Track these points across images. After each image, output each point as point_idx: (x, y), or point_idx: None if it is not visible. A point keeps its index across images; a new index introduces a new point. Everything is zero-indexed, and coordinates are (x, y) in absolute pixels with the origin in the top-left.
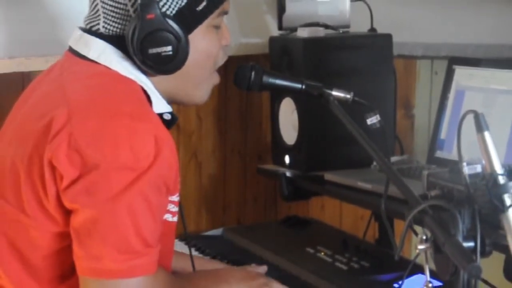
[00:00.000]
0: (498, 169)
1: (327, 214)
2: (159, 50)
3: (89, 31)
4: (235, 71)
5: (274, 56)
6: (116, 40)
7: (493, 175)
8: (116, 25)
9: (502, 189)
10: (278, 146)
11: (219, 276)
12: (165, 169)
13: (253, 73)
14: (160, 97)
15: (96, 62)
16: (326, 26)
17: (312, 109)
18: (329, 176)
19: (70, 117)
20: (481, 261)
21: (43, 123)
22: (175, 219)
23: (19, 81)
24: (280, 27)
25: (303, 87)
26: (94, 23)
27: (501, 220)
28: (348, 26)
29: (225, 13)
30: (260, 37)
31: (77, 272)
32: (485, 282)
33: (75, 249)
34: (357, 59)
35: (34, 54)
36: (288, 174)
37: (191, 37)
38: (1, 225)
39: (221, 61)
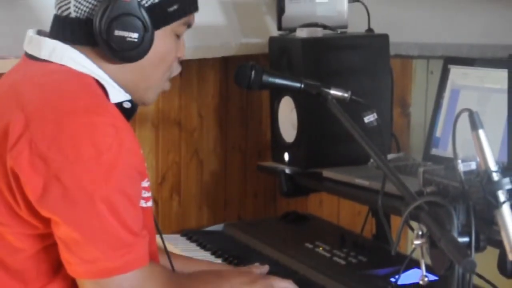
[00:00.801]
0: (492, 166)
1: (325, 210)
2: (125, 34)
3: (58, 18)
4: (236, 70)
5: (274, 56)
6: (83, 24)
7: (487, 172)
8: (88, 4)
9: (496, 185)
10: (277, 144)
11: (222, 277)
12: (132, 157)
13: (253, 73)
14: (117, 86)
15: (48, 61)
16: (324, 27)
17: (310, 108)
18: (327, 173)
19: (28, 123)
20: (475, 256)
21: (1, 129)
22: (150, 203)
23: None
24: (279, 28)
25: (302, 86)
26: (65, 6)
27: (495, 216)
28: (346, 27)
29: (189, 25)
30: (260, 37)
31: (71, 275)
32: (480, 276)
33: (65, 255)
34: (354, 59)
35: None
36: (287, 171)
37: (155, 34)
38: None
39: (175, 71)
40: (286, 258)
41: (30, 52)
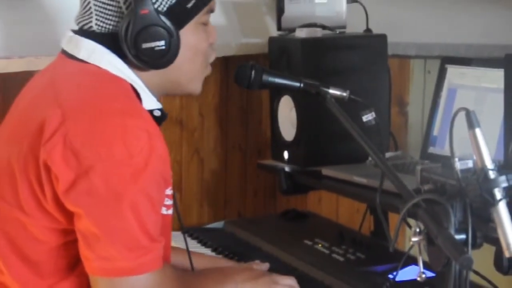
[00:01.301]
0: (489, 164)
1: (324, 208)
2: (152, 44)
3: (81, 30)
4: (236, 70)
5: (273, 56)
6: (109, 38)
7: (484, 170)
8: (109, 22)
9: (493, 183)
10: (277, 142)
11: (225, 275)
12: (160, 164)
13: (253, 72)
14: (150, 94)
15: (86, 62)
16: (323, 27)
17: (310, 107)
18: (326, 171)
19: (64, 119)
20: (472, 253)
21: (37, 124)
22: (170, 212)
23: (29, 80)
24: (279, 28)
25: (301, 85)
26: (86, 21)
27: (492, 213)
28: (344, 27)
29: (212, 11)
30: (260, 37)
31: (87, 271)
32: (476, 273)
33: (83, 250)
34: (353, 59)
35: (43, 54)
36: (286, 169)
37: (181, 33)
38: (0, 223)
39: (212, 57)
40: (286, 255)
41: (69, 51)
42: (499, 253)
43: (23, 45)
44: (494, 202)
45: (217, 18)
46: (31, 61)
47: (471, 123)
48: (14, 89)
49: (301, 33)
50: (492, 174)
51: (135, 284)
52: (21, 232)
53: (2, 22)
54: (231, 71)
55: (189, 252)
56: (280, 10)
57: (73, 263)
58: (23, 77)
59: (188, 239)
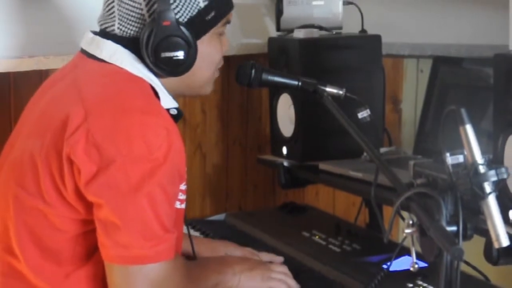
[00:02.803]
0: (479, 159)
1: (322, 201)
2: (171, 54)
3: (103, 32)
4: (237, 69)
5: (273, 55)
6: (130, 42)
7: (474, 165)
8: (131, 27)
9: (483, 177)
10: (276, 138)
11: (225, 264)
12: (177, 159)
13: (253, 71)
14: (167, 93)
15: (107, 62)
16: (320, 28)
17: (307, 104)
18: (323, 165)
19: (86, 115)
20: (463, 244)
21: (60, 119)
22: (183, 206)
23: (38, 79)
24: (278, 29)
25: (299, 83)
26: (109, 24)
27: (482, 206)
28: (340, 28)
29: (228, 22)
30: (259, 38)
31: (103, 258)
32: (467, 263)
33: (102, 238)
34: (349, 58)
35: (52, 54)
36: (285, 163)
37: (198, 43)
38: (19, 213)
39: (221, 63)
40: (284, 246)
41: (91, 51)
42: (488, 244)
43: (33, 45)
44: (484, 196)
45: None
46: (40, 60)
47: (462, 120)
48: (25, 87)
49: (299, 34)
50: (482, 169)
51: (148, 272)
52: (41, 221)
53: (13, 23)
54: (232, 70)
55: (192, 242)
56: (279, 12)
57: (90, 252)
58: (33, 76)
59: (191, 230)
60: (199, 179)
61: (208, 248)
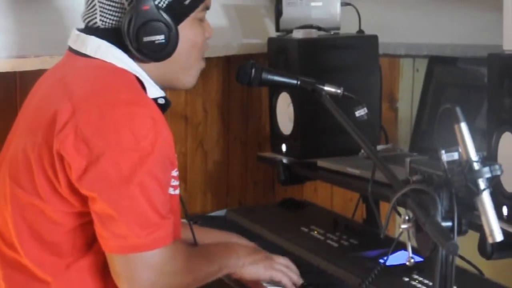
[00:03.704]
0: (473, 156)
1: (320, 197)
2: (153, 38)
3: (87, 28)
4: (237, 68)
5: (272, 55)
6: (113, 33)
7: (469, 162)
8: (112, 17)
9: (477, 174)
10: (275, 136)
11: (229, 248)
12: (165, 147)
13: (253, 71)
14: (153, 83)
15: (93, 58)
16: (319, 28)
17: (306, 103)
18: (321, 162)
19: (74, 111)
20: (458, 239)
21: (49, 116)
22: (177, 191)
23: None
24: (277, 29)
25: (298, 83)
26: (91, 17)
27: (476, 202)
28: (338, 28)
29: (207, 8)
30: (259, 38)
31: (103, 249)
32: (462, 258)
33: (99, 230)
34: (346, 58)
35: (57, 53)
36: (284, 161)
37: (180, 28)
38: (17, 209)
39: (205, 49)
40: (284, 241)
41: (76, 48)
42: (483, 239)
43: (39, 44)
44: (478, 192)
45: (219, 20)
46: (45, 60)
47: (457, 118)
48: (30, 86)
49: (298, 34)
50: (476, 166)
51: (149, 259)
52: (39, 216)
53: (19, 23)
54: (232, 70)
55: (193, 232)
56: (278, 13)
57: (89, 242)
58: (38, 75)
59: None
60: (200, 175)
61: (212, 237)
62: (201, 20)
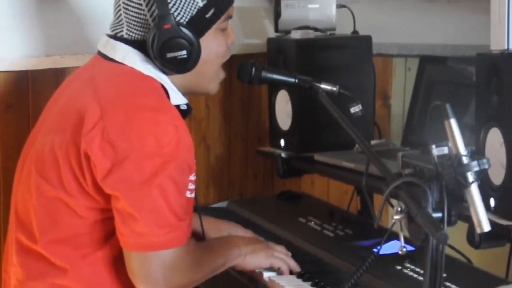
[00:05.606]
0: (462, 151)
1: (317, 189)
2: (175, 54)
3: (115, 37)
4: (238, 67)
5: (271, 55)
6: (138, 45)
7: (458, 156)
8: (137, 31)
9: (466, 168)
10: (274, 131)
11: (231, 242)
12: (186, 153)
13: (253, 69)
14: (177, 91)
15: (121, 63)
16: (316, 29)
17: (303, 100)
18: (318, 156)
19: (102, 114)
20: (447, 229)
21: (78, 116)
22: (193, 195)
23: (54, 77)
24: (276, 30)
25: (296, 81)
26: (119, 29)
27: (465, 194)
28: (334, 29)
29: (230, 17)
30: (259, 38)
31: (122, 246)
32: (451, 247)
33: (119, 227)
34: (342, 57)
35: (67, 53)
36: (283, 155)
37: (202, 40)
38: (41, 201)
39: (226, 57)
40: (282, 231)
41: (106, 53)
42: (471, 229)
43: (50, 45)
44: (467, 184)
45: None
46: (57, 59)
47: (447, 114)
48: (42, 85)
49: (295, 35)
50: (465, 160)
51: (164, 257)
52: (63, 209)
53: (31, 25)
54: (233, 69)
55: (202, 228)
56: (277, 14)
57: (107, 237)
58: (49, 74)
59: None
60: (203, 169)
61: (214, 227)
62: (223, 29)
